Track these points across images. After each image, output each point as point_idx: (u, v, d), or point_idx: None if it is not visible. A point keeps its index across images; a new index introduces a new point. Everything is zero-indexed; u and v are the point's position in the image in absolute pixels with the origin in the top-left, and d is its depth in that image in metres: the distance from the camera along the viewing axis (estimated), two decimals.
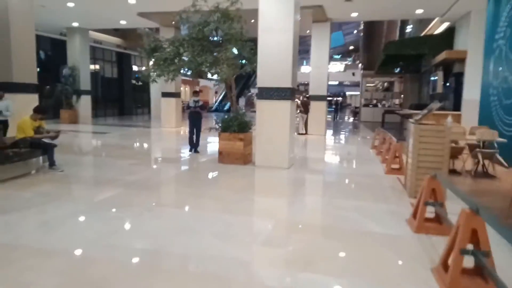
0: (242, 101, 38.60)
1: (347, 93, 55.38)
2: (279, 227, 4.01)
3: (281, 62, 6.81)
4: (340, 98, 45.80)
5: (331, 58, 26.79)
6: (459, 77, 12.17)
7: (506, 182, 6.37)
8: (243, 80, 40.04)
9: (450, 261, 2.76)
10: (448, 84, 13.02)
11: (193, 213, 4.41)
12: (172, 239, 3.54)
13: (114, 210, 4.41)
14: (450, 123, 4.71)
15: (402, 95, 25.74)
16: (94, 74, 19.02)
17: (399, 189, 5.65)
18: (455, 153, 6.47)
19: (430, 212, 3.95)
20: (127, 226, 3.93)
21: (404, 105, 24.30)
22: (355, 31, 44.54)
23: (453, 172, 6.53)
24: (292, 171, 6.90)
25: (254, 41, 7.46)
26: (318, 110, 13.51)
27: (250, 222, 4.20)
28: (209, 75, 9.68)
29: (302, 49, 48.89)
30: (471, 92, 11.32)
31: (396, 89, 32.32)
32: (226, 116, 7.45)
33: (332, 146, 11.49)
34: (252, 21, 7.70)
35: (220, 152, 7.34)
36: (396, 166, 6.89)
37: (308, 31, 14.08)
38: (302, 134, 13.61)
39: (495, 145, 6.65)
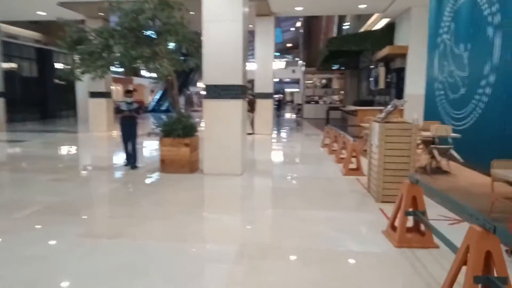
0: (181, 100, 37.17)
1: (286, 90, 56.23)
2: (244, 256, 3.27)
3: (230, 56, 6.07)
4: (281, 95, 46.31)
5: None
6: (400, 72, 12.42)
7: (462, 178, 6.31)
8: (181, 78, 38.53)
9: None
10: (389, 79, 13.27)
11: (135, 244, 3.49)
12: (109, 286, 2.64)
13: (30, 247, 3.34)
14: (417, 120, 4.38)
15: (342, 92, 26.40)
16: (9, 73, 16.57)
17: (363, 192, 5.22)
18: None
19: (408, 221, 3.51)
20: (49, 270, 2.91)
21: (345, 102, 24.95)
22: (293, 28, 45.26)
23: None
24: (246, 177, 6.21)
25: (197, 34, 6.61)
26: (265, 108, 12.99)
27: (208, 252, 3.40)
28: (145, 72, 8.56)
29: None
30: (413, 86, 11.57)
31: (334, 86, 33.27)
32: (167, 118, 6.52)
33: (282, 146, 11.01)
34: (192, 13, 6.83)
35: (162, 161, 6.39)
36: (353, 166, 6.54)
37: (251, 25, 13.47)
38: (249, 134, 13.00)
39: (450, 140, 6.59)
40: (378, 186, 4.62)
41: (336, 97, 29.49)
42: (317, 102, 26.14)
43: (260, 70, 13.01)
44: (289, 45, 52.67)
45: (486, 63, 6.29)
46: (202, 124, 6.37)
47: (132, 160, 6.88)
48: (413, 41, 11.31)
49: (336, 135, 8.76)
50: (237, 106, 6.13)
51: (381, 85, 13.13)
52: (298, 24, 41.40)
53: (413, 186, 3.43)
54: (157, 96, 37.02)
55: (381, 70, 13.09)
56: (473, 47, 6.85)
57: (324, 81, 41.76)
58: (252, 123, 13.08)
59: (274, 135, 13.37)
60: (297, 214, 4.38)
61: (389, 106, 4.72)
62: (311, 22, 30.80)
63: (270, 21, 12.83)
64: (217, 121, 6.18)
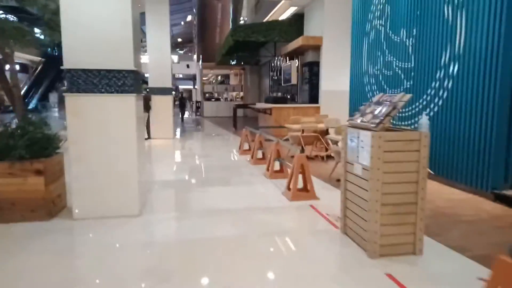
0: (53, 97, 31.33)
1: (180, 86, 53.11)
2: None
3: (112, 23, 3.67)
4: (181, 92, 43.19)
5: None
6: (313, 66, 11.35)
7: None
8: (54, 69, 32.44)
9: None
10: (306, 76, 12.13)
11: None
12: None
13: None
14: (427, 125, 2.84)
15: (242, 88, 25.08)
16: None
17: (338, 237, 3.43)
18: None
19: None
20: None
21: (246, 99, 23.68)
22: (183, 23, 42.63)
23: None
24: (150, 221, 3.88)
25: None
26: (164, 107, 10.54)
27: None
28: None
29: None
30: (329, 82, 10.58)
31: (232, 82, 31.97)
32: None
33: (191, 154, 8.74)
34: None
35: None
36: (299, 186, 4.83)
37: (140, 5, 10.82)
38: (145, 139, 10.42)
39: None
40: (372, 234, 2.89)
41: (234, 94, 28.16)
42: (217, 99, 24.29)
43: (154, 59, 10.47)
44: (179, 39, 49.88)
45: (444, 51, 5.23)
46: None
47: None
48: (328, 31, 10.28)
49: (261, 140, 6.98)
50: (128, 104, 3.78)
51: (293, 80, 11.92)
52: (189, 18, 39.05)
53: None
54: (23, 91, 30.35)
55: (293, 64, 11.86)
56: (421, 32, 5.79)
57: (220, 77, 40.33)
58: (147, 126, 10.49)
59: (177, 139, 11.01)
60: None
61: (383, 106, 3.05)
62: (205, 14, 28.72)
63: (165, 3, 10.42)
64: (94, 130, 3.73)
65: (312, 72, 11.35)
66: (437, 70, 5.38)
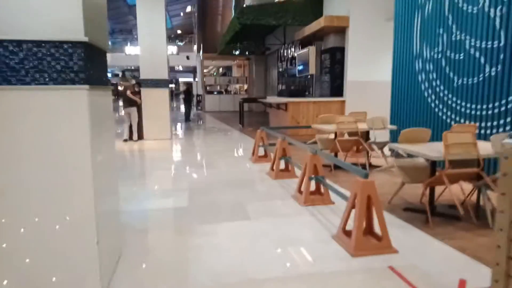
0: None
1: (180, 79, 51.16)
2: None
3: None
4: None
5: None
6: (335, 52, 9.59)
7: None
8: None
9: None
10: (321, 63, 10.37)
11: None
12: None
13: None
14: None
15: (247, 80, 23.28)
16: None
17: None
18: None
19: None
20: None
21: (250, 92, 21.89)
22: (182, 13, 40.76)
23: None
24: None
25: None
26: (158, 102, 8.84)
27: None
28: None
29: (124, 28, 41.98)
30: (359, 71, 8.85)
31: (235, 74, 30.14)
32: None
33: (191, 163, 6.95)
34: None
35: None
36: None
37: None
38: (131, 140, 8.74)
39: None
40: None
41: (238, 86, 26.40)
42: (220, 93, 22.53)
43: (147, 46, 8.73)
44: (179, 31, 48.09)
45: None
46: None
47: None
48: (357, 8, 8.54)
49: (284, 147, 5.27)
50: (75, 105, 2.06)
51: (311, 70, 10.16)
52: (189, 9, 37.12)
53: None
54: None
55: (311, 51, 10.08)
56: None
57: (221, 69, 38.46)
58: (138, 124, 8.82)
59: (176, 140, 9.32)
60: None
61: None
62: (205, 3, 26.87)
63: None
64: (14, 153, 2.03)
65: (334, 59, 9.59)
66: None
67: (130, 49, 31.61)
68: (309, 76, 11.16)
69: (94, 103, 2.15)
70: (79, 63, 2.02)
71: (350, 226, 3.02)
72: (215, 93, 22.06)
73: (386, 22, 8.56)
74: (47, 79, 2.00)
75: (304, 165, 4.09)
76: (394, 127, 5.76)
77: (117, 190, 2.84)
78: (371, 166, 5.78)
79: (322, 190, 4.12)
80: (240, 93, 23.56)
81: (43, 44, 1.97)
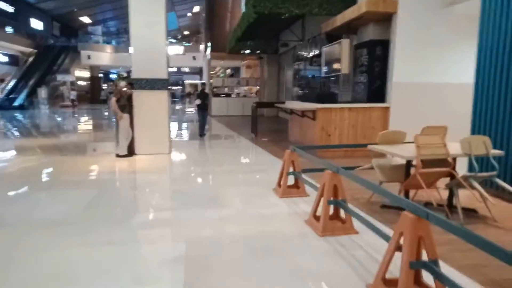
0: (43, 93, 28.04)
1: (186, 81, 49.43)
2: None
3: None
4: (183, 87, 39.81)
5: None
6: (376, 47, 7.67)
7: None
8: (47, 61, 29.07)
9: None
10: (356, 60, 8.44)
11: None
12: None
13: None
14: None
15: (259, 82, 21.39)
16: None
17: None
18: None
19: None
20: None
21: (261, 95, 19.99)
22: (189, 14, 39.28)
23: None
24: None
25: None
26: (154, 107, 6.97)
27: None
28: None
29: (121, 28, 40.28)
30: (410, 70, 6.96)
31: (243, 75, 28.35)
32: None
33: (191, 198, 5.01)
34: None
35: None
36: None
37: None
38: (120, 156, 6.89)
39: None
40: None
41: (247, 89, 24.57)
42: (228, 95, 20.67)
43: (140, 38, 6.88)
44: (186, 32, 46.74)
45: None
46: None
47: None
48: None
49: (337, 184, 3.38)
50: None
51: (344, 69, 8.24)
52: (196, 9, 35.52)
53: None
54: (10, 86, 27.07)
55: (344, 45, 8.15)
56: None
57: (229, 70, 36.63)
58: (117, 136, 6.97)
59: (176, 156, 7.44)
60: None
61: None
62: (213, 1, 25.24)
63: None
64: None
65: (373, 55, 7.67)
66: None
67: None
68: (339, 77, 9.24)
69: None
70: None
71: None
72: (222, 95, 20.20)
73: (447, 7, 6.66)
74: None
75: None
76: (500, 152, 3.80)
77: None
78: (472, 210, 3.85)
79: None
80: (250, 96, 21.71)
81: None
